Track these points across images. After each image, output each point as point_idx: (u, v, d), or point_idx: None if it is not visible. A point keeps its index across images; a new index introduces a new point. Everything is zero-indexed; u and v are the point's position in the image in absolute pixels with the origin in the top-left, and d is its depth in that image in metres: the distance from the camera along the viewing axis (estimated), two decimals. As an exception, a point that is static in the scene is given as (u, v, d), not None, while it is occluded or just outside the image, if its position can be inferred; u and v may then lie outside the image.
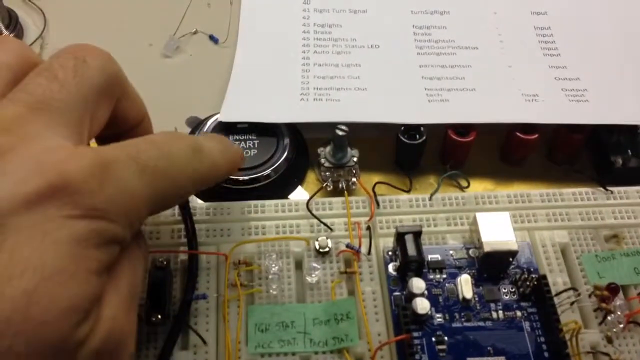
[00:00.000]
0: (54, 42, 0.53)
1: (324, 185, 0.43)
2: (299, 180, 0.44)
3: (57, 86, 0.23)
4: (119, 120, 0.29)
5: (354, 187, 0.43)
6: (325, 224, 0.40)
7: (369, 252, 0.39)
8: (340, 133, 0.42)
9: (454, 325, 0.36)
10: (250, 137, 0.44)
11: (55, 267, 0.20)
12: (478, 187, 0.45)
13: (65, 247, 0.20)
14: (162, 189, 0.24)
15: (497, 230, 0.37)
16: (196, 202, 0.41)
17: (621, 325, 0.36)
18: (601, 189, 0.42)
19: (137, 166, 0.23)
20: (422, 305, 0.35)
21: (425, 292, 0.36)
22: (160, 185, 0.24)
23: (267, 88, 0.47)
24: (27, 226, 0.20)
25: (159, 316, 0.34)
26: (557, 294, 0.36)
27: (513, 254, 0.37)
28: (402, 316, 0.35)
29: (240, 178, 0.42)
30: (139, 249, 0.26)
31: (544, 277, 0.36)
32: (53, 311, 0.20)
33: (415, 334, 0.35)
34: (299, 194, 0.44)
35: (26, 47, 0.26)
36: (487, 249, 0.37)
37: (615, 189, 0.42)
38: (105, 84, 0.26)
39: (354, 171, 0.43)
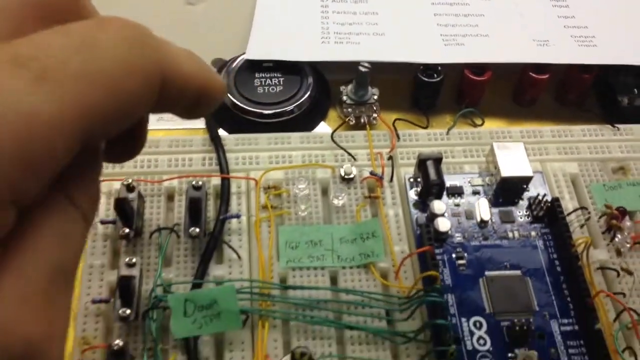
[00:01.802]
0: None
1: (347, 119, 0.45)
2: (322, 117, 0.47)
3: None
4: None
5: (374, 122, 0.45)
6: (349, 153, 0.42)
7: (391, 180, 0.41)
8: (363, 69, 0.44)
9: (472, 243, 0.38)
10: (276, 75, 0.46)
11: None
12: (492, 126, 0.47)
13: None
14: (83, 101, 0.14)
15: (512, 158, 0.40)
16: (222, 133, 0.43)
17: (628, 245, 0.38)
18: (608, 126, 0.45)
19: (28, 73, 0.14)
20: (443, 224, 0.38)
21: (446, 213, 0.38)
22: (78, 97, 0.14)
23: (290, 29, 0.49)
24: None
25: (197, 230, 0.36)
26: (569, 214, 0.38)
27: (527, 179, 0.39)
28: (424, 233, 0.37)
29: (265, 112, 0.44)
30: (66, 208, 0.16)
31: (557, 199, 0.38)
32: None
33: (437, 251, 0.38)
34: (322, 129, 0.46)
35: None
36: (503, 174, 0.39)
37: (621, 126, 0.45)
38: None
39: (374, 108, 0.45)
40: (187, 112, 0.19)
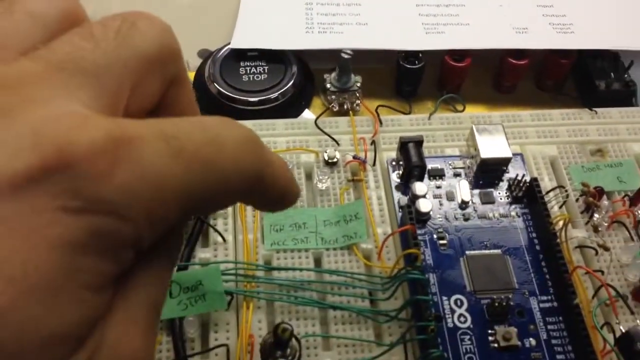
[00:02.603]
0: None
1: (330, 106, 0.46)
2: (306, 104, 0.47)
3: (90, 45, 0.18)
4: (165, 109, 0.21)
5: (358, 108, 0.46)
6: (332, 138, 0.43)
7: (374, 163, 0.42)
8: (345, 56, 0.44)
9: (453, 224, 0.39)
10: (260, 64, 0.47)
11: (40, 278, 0.14)
12: (472, 112, 0.48)
13: (54, 253, 0.15)
14: (204, 182, 0.17)
15: (492, 140, 0.40)
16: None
17: (606, 224, 0.39)
18: (586, 109, 0.45)
19: (169, 148, 0.16)
20: (424, 205, 0.39)
21: (427, 195, 0.39)
22: (202, 178, 0.17)
23: (274, 20, 0.50)
24: (9, 217, 0.14)
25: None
26: (547, 192, 0.39)
27: (507, 161, 0.40)
28: (406, 213, 0.38)
29: (251, 99, 0.45)
30: (164, 258, 0.19)
31: (535, 179, 0.39)
32: (31, 340, 0.14)
33: (419, 232, 0.38)
34: (306, 117, 0.47)
35: (75, 2, 0.20)
36: (483, 155, 0.40)
37: (599, 109, 0.46)
38: (157, 55, 0.19)
39: (357, 94, 0.46)
40: (260, 207, 0.24)
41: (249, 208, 0.39)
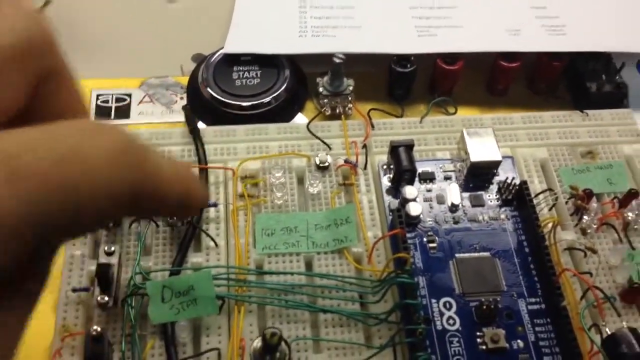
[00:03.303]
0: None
1: (322, 110, 0.46)
2: (299, 109, 0.48)
3: None
4: (40, 109, 0.18)
5: (350, 112, 0.46)
6: (324, 142, 0.43)
7: (365, 167, 0.42)
8: (338, 60, 0.45)
9: (443, 227, 0.39)
10: (253, 68, 0.47)
11: None
12: (465, 114, 0.48)
13: None
14: (51, 207, 0.14)
15: (482, 144, 0.41)
16: (202, 126, 0.44)
17: (595, 226, 0.40)
18: (578, 112, 0.46)
19: (3, 170, 0.13)
20: (414, 208, 0.39)
21: (417, 198, 0.40)
22: (46, 202, 0.14)
23: (267, 24, 0.50)
24: None
25: (175, 218, 0.37)
26: (537, 195, 0.40)
27: (497, 164, 0.41)
28: (396, 217, 0.38)
29: (243, 104, 0.45)
30: (17, 300, 0.16)
31: (525, 182, 0.39)
32: None
33: (409, 235, 0.39)
34: (299, 121, 0.47)
35: None
36: (473, 159, 0.40)
37: (590, 111, 0.46)
38: (20, 46, 0.16)
39: (349, 98, 0.47)
40: (169, 216, 0.19)
41: (241, 212, 0.40)
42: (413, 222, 0.39)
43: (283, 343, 0.32)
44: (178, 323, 0.35)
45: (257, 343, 0.31)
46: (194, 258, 0.38)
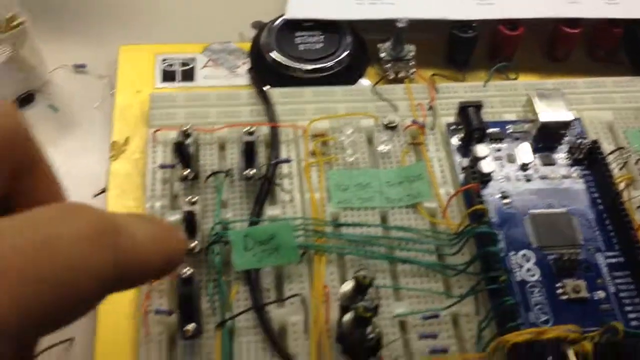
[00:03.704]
0: None
1: (386, 74, 0.46)
2: (361, 74, 0.48)
3: None
4: (17, 199, 0.18)
5: (413, 76, 0.47)
6: (391, 103, 0.43)
7: (432, 128, 0.42)
8: (401, 25, 0.45)
9: (515, 185, 0.40)
10: (316, 33, 0.48)
11: None
12: (525, 81, 0.48)
13: None
14: (33, 300, 0.13)
15: (551, 104, 0.41)
16: (269, 89, 0.45)
17: (667, 185, 0.40)
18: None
19: None
20: (487, 165, 0.39)
21: (488, 158, 0.40)
22: (30, 295, 0.13)
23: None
24: None
25: (252, 171, 0.38)
26: (610, 153, 0.40)
27: (567, 124, 0.41)
28: (470, 173, 0.38)
29: (306, 67, 0.46)
30: None
31: (596, 141, 0.40)
32: None
33: (482, 192, 0.39)
34: (363, 85, 0.47)
35: None
36: (542, 119, 0.40)
37: (651, 77, 0.46)
38: None
39: (411, 64, 0.47)
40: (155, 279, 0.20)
41: (313, 169, 0.40)
42: (485, 180, 0.39)
43: (372, 287, 0.32)
44: (261, 270, 0.35)
45: (346, 287, 0.32)
46: (270, 211, 0.38)
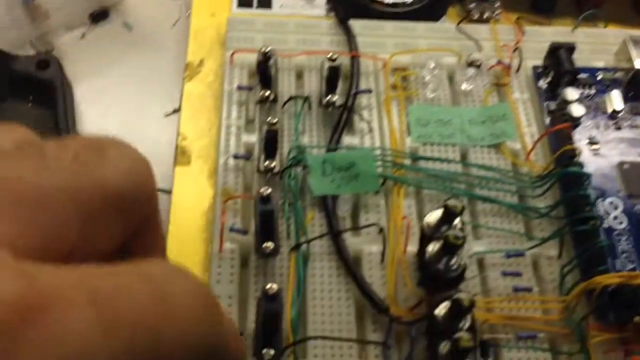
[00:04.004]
0: None
1: (470, 12, 0.45)
2: (443, 12, 0.46)
3: (34, 164, 0.13)
4: (127, 249, 0.17)
5: (498, 17, 0.45)
6: (475, 42, 0.42)
7: (518, 69, 0.41)
8: (491, -38, 0.43)
9: (605, 132, 0.38)
10: (399, -32, 0.46)
11: None
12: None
13: None
14: (136, 355, 0.12)
15: (648, 50, 0.39)
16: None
17: None
18: None
19: (98, 315, 0.12)
20: (577, 109, 0.38)
21: (577, 102, 0.38)
22: (136, 350, 0.12)
23: None
24: None
25: (335, 97, 0.37)
26: None
27: (662, 72, 0.39)
28: (559, 115, 0.37)
29: (387, 1, 0.44)
30: None
31: (694, 92, 0.38)
32: None
33: (569, 136, 0.37)
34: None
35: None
36: (638, 66, 0.38)
37: None
38: (122, 192, 0.15)
39: (496, 4, 0.45)
40: None
41: (393, 102, 0.39)
42: (574, 124, 0.38)
43: (458, 219, 0.31)
44: (339, 197, 0.34)
45: (432, 216, 0.31)
46: (348, 140, 0.37)
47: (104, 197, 0.14)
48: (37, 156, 0.14)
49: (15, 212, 0.12)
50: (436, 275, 0.30)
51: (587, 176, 0.33)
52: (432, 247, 0.30)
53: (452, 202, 0.30)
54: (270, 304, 0.28)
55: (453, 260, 0.30)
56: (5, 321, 0.10)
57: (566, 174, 0.34)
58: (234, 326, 0.16)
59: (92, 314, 0.11)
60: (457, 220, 0.30)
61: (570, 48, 0.39)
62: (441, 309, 0.28)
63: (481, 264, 0.34)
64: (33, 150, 0.14)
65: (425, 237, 0.31)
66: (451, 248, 0.29)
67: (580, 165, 0.34)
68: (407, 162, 0.37)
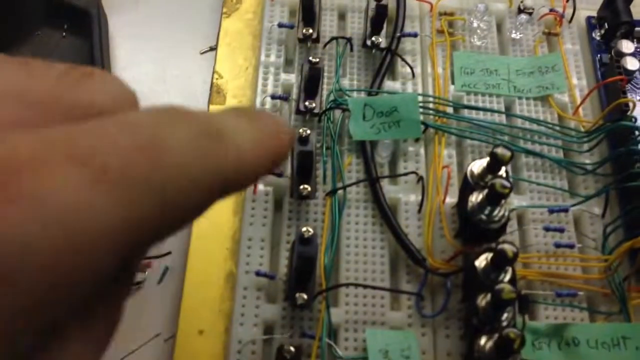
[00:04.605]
0: None
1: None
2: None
3: (111, 139, 0.12)
4: None
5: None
6: (528, -11, 0.40)
7: (571, 20, 0.39)
8: None
9: (658, 88, 0.36)
10: None
11: None
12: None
13: None
14: (140, 215, 0.12)
15: None
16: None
17: None
18: None
19: (85, 173, 0.11)
20: (632, 62, 0.36)
21: (632, 55, 0.36)
22: (141, 206, 0.12)
23: None
24: None
25: (380, 39, 0.35)
26: None
27: None
28: (614, 67, 0.35)
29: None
30: (80, 348, 0.13)
31: None
32: None
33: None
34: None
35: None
36: (700, 20, 0.36)
37: None
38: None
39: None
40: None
41: (439, 48, 0.37)
42: (628, 78, 0.36)
43: (505, 168, 0.29)
44: (378, 143, 0.33)
45: (478, 164, 0.29)
46: (389, 84, 0.36)
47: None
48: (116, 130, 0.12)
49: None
50: (478, 225, 0.29)
51: (639, 131, 0.32)
52: (476, 197, 0.29)
53: (500, 150, 0.28)
54: (305, 248, 0.27)
55: (496, 211, 0.29)
56: None
57: (617, 129, 0.32)
58: (255, 128, 0.14)
59: (75, 172, 0.11)
60: (502, 170, 0.29)
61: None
62: (482, 260, 0.28)
63: (521, 219, 0.33)
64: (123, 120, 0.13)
65: (468, 187, 0.30)
66: (497, 197, 0.28)
67: (634, 119, 0.32)
68: (450, 110, 0.35)
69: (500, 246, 0.26)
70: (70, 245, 0.10)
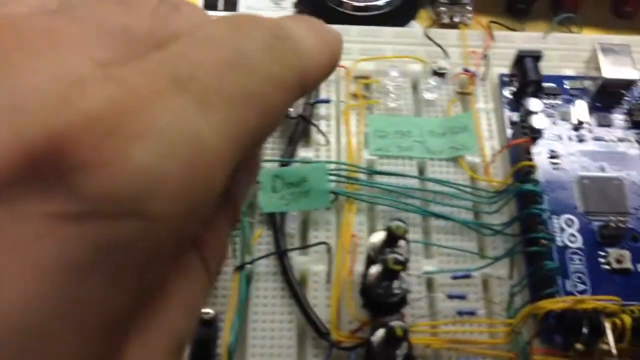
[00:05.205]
0: None
1: (440, 17, 0.43)
2: (413, 16, 0.45)
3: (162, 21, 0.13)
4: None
5: (469, 22, 0.44)
6: (442, 49, 0.41)
7: (484, 78, 0.40)
8: (461, -36, 0.42)
9: (567, 144, 0.37)
10: (368, -30, 0.45)
11: (28, 317, 0.10)
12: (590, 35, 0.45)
13: (46, 281, 0.10)
14: (240, 129, 0.12)
15: (617, 61, 0.38)
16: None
17: None
18: None
19: (192, 97, 0.11)
20: (539, 121, 0.37)
21: (541, 113, 0.37)
22: (241, 117, 0.12)
23: None
24: None
25: (289, 109, 0.36)
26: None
27: (631, 83, 0.38)
28: (519, 128, 0.36)
29: (356, 4, 0.43)
30: (199, 276, 0.14)
31: (661, 104, 0.37)
32: None
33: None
34: (413, 29, 0.45)
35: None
36: (606, 75, 0.37)
37: None
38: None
39: (468, 8, 0.44)
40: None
41: (353, 112, 0.38)
42: (535, 137, 0.37)
43: (403, 240, 0.30)
44: (287, 214, 0.34)
45: (377, 237, 0.30)
46: (303, 152, 0.37)
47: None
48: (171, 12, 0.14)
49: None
50: (377, 299, 0.29)
51: (541, 194, 0.33)
52: (375, 269, 0.29)
53: (395, 224, 0.29)
54: (203, 330, 0.28)
55: (395, 284, 0.29)
56: (108, 129, 0.10)
57: (521, 191, 0.33)
58: (314, 32, 0.15)
59: (182, 99, 0.11)
60: (402, 242, 0.30)
61: (537, 56, 0.38)
62: (377, 336, 0.28)
63: (430, 285, 0.33)
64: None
65: (370, 258, 0.30)
66: (390, 273, 0.28)
67: (535, 182, 0.33)
68: (363, 176, 0.36)
69: (390, 324, 0.27)
70: (192, 171, 0.11)
